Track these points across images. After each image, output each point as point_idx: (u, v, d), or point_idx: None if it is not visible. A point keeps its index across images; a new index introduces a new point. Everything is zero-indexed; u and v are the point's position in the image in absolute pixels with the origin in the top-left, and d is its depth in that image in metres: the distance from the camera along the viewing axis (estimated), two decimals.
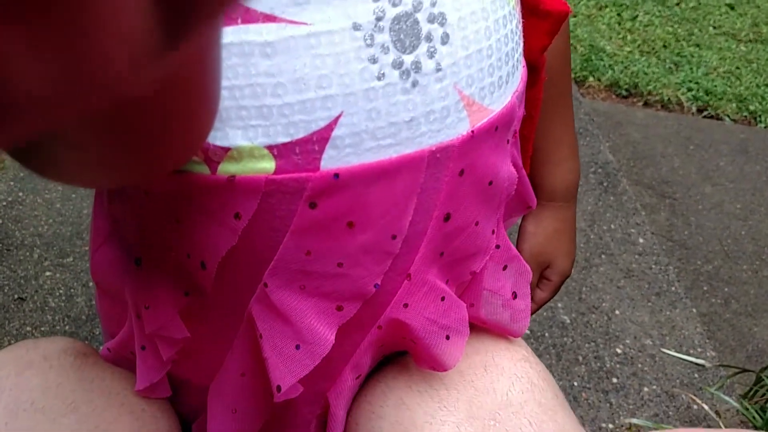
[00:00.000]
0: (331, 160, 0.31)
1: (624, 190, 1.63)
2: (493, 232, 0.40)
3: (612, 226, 1.53)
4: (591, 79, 2.19)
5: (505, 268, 0.43)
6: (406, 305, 0.37)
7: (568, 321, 1.29)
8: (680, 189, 1.92)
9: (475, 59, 0.33)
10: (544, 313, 1.32)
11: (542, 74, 0.51)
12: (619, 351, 1.24)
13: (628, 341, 1.26)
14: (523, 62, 0.40)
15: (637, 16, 2.66)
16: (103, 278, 0.41)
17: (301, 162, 0.31)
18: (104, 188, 0.36)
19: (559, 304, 1.33)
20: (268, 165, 0.31)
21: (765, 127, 2.14)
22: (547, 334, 1.26)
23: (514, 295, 0.44)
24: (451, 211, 0.35)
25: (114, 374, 0.42)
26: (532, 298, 0.57)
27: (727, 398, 1.12)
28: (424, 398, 0.39)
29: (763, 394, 1.13)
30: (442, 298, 0.38)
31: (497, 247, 0.42)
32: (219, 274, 0.35)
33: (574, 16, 2.57)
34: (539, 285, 0.58)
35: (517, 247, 0.58)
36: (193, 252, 0.34)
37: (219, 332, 0.39)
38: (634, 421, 1.09)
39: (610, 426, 1.08)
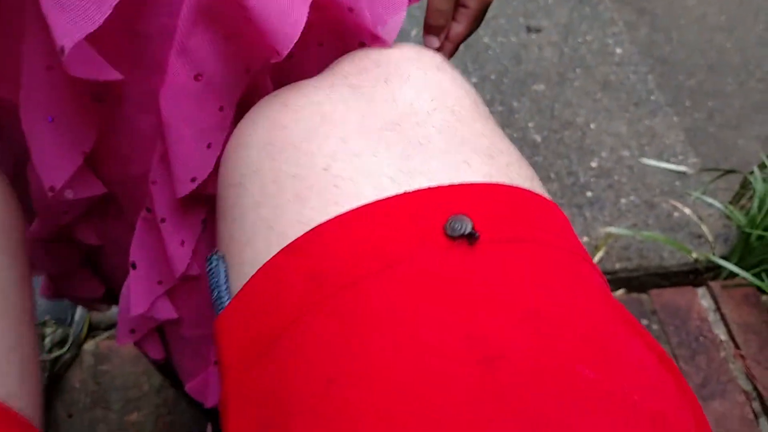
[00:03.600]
0: None
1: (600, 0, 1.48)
2: None
3: (588, 38, 1.39)
4: None
5: None
6: None
7: (540, 140, 1.19)
8: (660, 3, 1.77)
9: None
10: (515, 135, 1.21)
11: None
12: (594, 165, 1.14)
13: (604, 154, 1.16)
14: None
15: None
16: None
17: None
18: None
19: (530, 124, 1.22)
20: None
21: None
22: None
23: None
24: None
25: None
26: (447, 36, 0.45)
27: (711, 200, 1.03)
28: (303, 115, 0.30)
29: (750, 197, 1.05)
30: None
31: None
32: None
33: None
34: (455, 16, 0.45)
35: None
36: None
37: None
38: (611, 230, 1.01)
39: (585, 239, 1.00)
